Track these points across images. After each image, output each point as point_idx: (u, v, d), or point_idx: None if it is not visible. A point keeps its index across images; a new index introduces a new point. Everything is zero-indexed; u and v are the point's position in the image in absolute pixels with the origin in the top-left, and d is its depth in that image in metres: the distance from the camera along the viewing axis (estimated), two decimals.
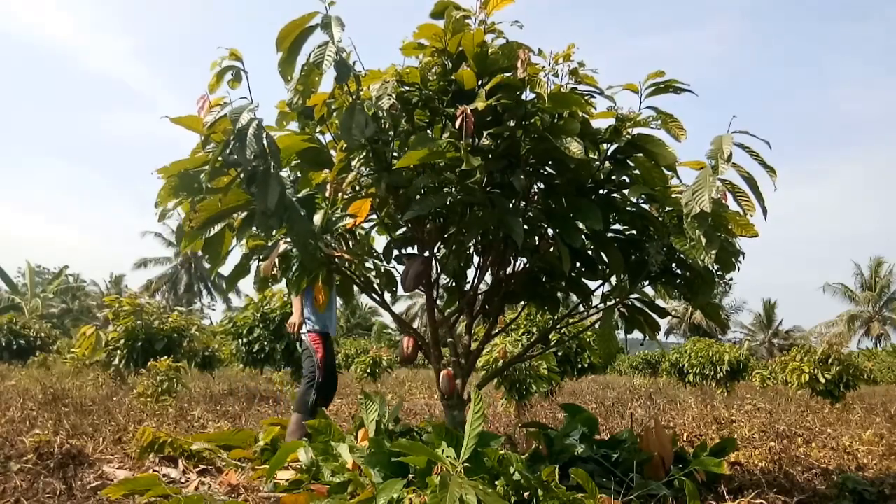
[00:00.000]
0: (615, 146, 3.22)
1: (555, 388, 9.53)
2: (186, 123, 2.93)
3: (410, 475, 2.75)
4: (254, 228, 3.18)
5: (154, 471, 3.38)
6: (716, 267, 3.16)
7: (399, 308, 45.82)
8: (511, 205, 3.26)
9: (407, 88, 3.08)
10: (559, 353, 9.92)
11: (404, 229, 3.69)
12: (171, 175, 2.98)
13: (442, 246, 3.69)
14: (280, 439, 3.96)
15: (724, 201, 2.85)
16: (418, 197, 3.13)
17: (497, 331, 4.68)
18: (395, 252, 3.84)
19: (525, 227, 3.28)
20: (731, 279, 3.32)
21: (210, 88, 2.84)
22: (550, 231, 3.36)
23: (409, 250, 3.88)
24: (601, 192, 3.37)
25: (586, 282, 3.75)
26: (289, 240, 3.35)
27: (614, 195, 3.40)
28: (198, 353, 13.00)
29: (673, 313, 33.10)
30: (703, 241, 2.74)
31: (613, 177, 3.34)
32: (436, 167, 3.10)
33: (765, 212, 2.78)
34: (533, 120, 3.09)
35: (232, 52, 2.85)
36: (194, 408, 6.39)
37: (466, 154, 2.75)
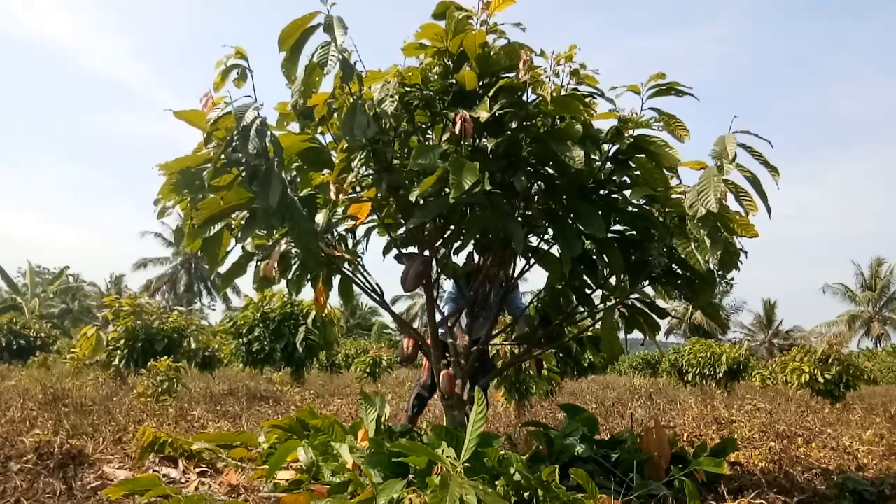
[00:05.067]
0: (617, 147, 3.21)
1: (555, 388, 9.53)
2: (189, 118, 2.92)
3: (410, 475, 2.75)
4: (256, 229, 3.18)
5: (154, 471, 3.38)
6: (716, 267, 3.16)
7: (399, 308, 45.79)
8: (511, 206, 3.26)
9: (408, 89, 3.08)
10: (560, 354, 9.90)
11: (404, 229, 3.69)
12: (172, 172, 2.98)
13: (442, 246, 3.69)
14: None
15: (724, 202, 2.85)
16: (420, 202, 3.12)
17: (497, 331, 4.68)
18: (396, 252, 3.84)
19: (525, 228, 3.28)
20: (732, 279, 3.32)
21: (215, 86, 2.84)
22: (551, 231, 3.36)
23: (410, 250, 3.88)
24: (602, 192, 3.37)
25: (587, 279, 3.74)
26: (289, 239, 3.35)
27: (615, 196, 3.40)
28: (198, 353, 13.00)
29: (673, 313, 33.11)
30: (707, 242, 2.73)
31: (615, 177, 3.34)
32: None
33: (769, 211, 2.77)
34: (534, 121, 3.08)
35: (237, 50, 2.85)
36: (194, 408, 6.38)
37: (460, 174, 2.66)
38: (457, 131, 2.76)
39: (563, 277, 3.47)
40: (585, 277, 3.66)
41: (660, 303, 3.72)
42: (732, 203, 2.89)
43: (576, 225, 3.14)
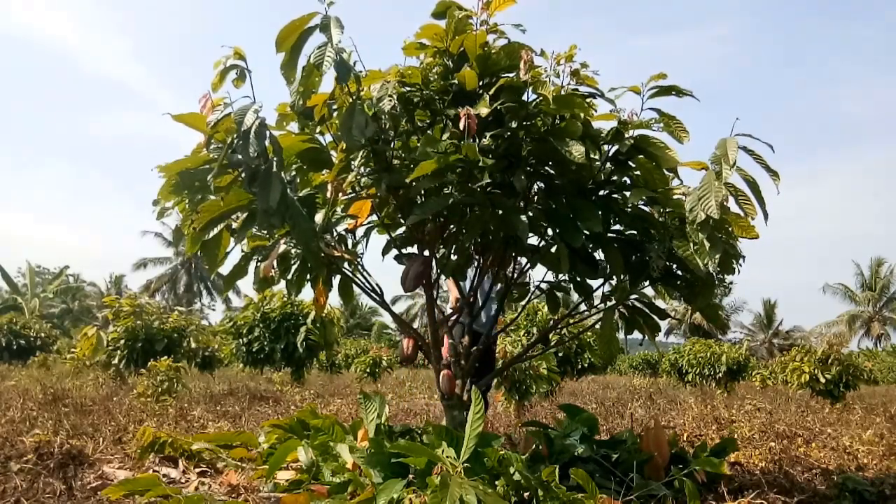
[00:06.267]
0: (616, 148, 3.21)
1: (555, 388, 9.53)
2: (188, 121, 2.92)
3: (410, 475, 2.75)
4: (255, 229, 3.18)
5: (154, 471, 3.38)
6: (716, 270, 3.15)
7: (399, 308, 45.81)
8: (511, 205, 3.26)
9: (408, 89, 3.08)
10: (559, 354, 9.92)
11: (404, 229, 3.70)
12: (171, 174, 2.98)
13: (442, 246, 3.69)
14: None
15: (725, 204, 2.84)
16: (420, 200, 3.13)
17: (497, 331, 4.68)
18: (395, 252, 3.84)
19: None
20: (731, 282, 3.32)
21: (213, 87, 2.84)
22: (550, 231, 3.36)
23: (410, 250, 3.88)
24: (602, 193, 3.37)
25: (587, 280, 3.74)
26: (289, 240, 3.35)
27: (615, 196, 3.40)
28: (198, 353, 13.01)
29: (673, 314, 33.12)
30: (707, 245, 2.73)
31: (614, 178, 3.34)
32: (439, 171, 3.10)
33: (766, 216, 2.76)
34: (534, 121, 3.08)
35: (236, 50, 2.85)
36: (194, 408, 6.38)
37: (478, 154, 2.76)
38: (461, 127, 2.76)
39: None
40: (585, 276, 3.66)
41: (659, 303, 3.71)
42: (733, 205, 2.88)
43: (575, 222, 3.14)
